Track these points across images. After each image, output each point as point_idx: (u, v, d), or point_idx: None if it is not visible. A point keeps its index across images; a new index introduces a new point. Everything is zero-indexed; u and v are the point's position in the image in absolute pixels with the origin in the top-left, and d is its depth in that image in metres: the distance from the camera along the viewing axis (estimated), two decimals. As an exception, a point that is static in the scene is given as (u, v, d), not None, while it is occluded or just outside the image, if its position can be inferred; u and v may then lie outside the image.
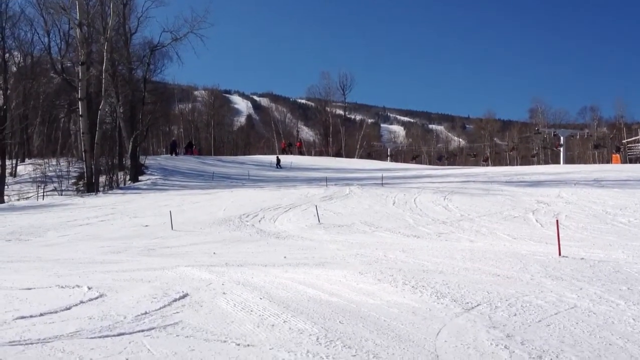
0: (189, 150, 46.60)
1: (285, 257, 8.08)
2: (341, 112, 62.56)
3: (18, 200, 25.19)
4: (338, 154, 52.23)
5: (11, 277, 6.81)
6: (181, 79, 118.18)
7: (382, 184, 19.88)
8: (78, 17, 26.29)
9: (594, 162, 47.06)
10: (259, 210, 14.75)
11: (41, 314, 4.75)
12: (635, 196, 13.48)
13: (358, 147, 56.78)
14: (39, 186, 25.66)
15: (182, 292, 5.54)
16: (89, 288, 5.81)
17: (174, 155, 42.47)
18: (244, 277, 6.31)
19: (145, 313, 4.74)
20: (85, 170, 26.31)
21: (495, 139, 66.05)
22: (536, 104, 61.41)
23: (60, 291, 5.77)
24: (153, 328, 4.30)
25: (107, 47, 26.90)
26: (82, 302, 5.23)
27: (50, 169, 30.11)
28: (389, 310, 4.72)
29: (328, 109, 59.45)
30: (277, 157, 38.03)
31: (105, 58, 26.85)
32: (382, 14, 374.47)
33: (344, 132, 57.31)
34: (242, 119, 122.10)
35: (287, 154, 46.04)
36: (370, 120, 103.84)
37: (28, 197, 25.47)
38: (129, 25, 30.23)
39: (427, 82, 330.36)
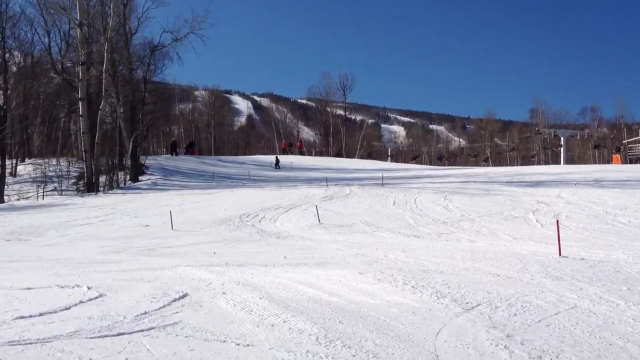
0: (190, 150, 46.57)
1: (285, 257, 8.08)
2: (341, 112, 62.59)
3: (18, 200, 25.20)
4: (338, 154, 52.25)
5: (11, 276, 6.81)
6: (181, 79, 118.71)
7: (382, 184, 19.87)
8: (78, 17, 26.30)
9: (594, 163, 47.10)
10: (259, 210, 14.75)
11: (41, 314, 4.75)
12: (635, 196, 13.46)
13: (358, 147, 56.74)
14: (39, 186, 25.66)
15: (182, 292, 5.54)
16: (89, 288, 5.81)
17: (174, 155, 42.47)
18: (244, 277, 6.31)
19: (145, 313, 4.74)
20: (85, 170, 26.33)
21: (495, 139, 66.18)
22: (536, 104, 61.55)
23: (60, 291, 5.78)
24: (152, 328, 4.30)
25: (108, 47, 26.92)
26: (81, 302, 5.23)
27: (50, 169, 30.12)
28: (389, 310, 4.72)
29: (328, 109, 59.41)
30: (276, 157, 38.03)
31: (105, 58, 26.87)
32: (382, 14, 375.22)
33: (344, 133, 57.29)
34: (243, 119, 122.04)
35: (287, 154, 46.07)
36: (370, 121, 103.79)
37: (28, 197, 25.47)
38: (129, 26, 30.30)
39: (427, 82, 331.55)
